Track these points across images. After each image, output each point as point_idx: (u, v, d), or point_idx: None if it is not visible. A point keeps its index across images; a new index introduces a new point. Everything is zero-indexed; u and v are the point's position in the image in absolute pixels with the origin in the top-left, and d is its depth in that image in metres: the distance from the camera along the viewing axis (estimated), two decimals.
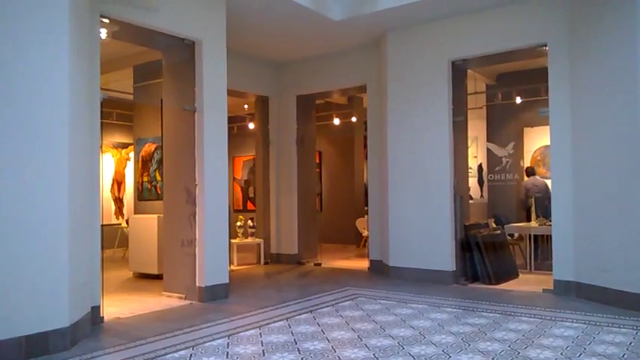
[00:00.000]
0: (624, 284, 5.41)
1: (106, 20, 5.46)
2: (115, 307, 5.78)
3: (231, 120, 8.00)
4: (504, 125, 11.21)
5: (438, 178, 7.28)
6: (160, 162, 7.94)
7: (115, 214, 12.45)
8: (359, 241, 11.85)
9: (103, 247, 5.36)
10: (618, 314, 5.16)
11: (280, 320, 5.17)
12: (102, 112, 5.38)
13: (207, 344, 4.37)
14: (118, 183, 12.62)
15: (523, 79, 9.83)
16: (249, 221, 9.63)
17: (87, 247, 4.90)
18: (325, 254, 10.09)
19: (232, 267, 8.65)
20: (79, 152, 4.58)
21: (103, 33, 5.68)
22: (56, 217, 4.19)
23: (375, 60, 8.46)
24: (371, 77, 8.57)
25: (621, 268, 5.45)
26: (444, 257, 7.19)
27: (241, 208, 13.94)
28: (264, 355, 4.05)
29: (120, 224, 11.73)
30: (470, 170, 9.59)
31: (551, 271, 6.44)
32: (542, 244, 8.44)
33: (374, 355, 4.00)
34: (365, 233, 10.51)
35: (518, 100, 9.88)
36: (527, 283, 7.09)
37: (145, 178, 8.88)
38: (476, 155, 11.97)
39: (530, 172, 9.84)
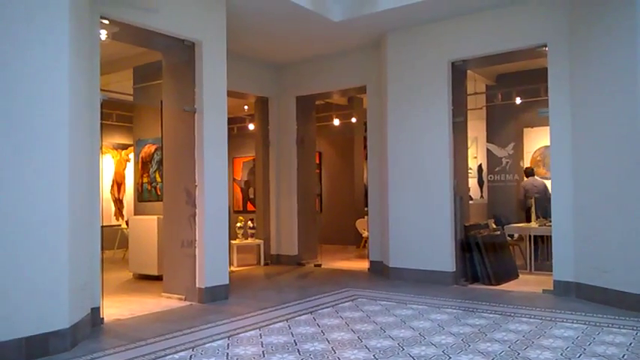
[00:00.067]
0: (624, 285, 5.40)
1: (106, 21, 5.46)
2: (115, 309, 5.78)
3: (231, 121, 8.00)
4: (504, 126, 11.22)
5: (438, 178, 7.28)
6: (160, 163, 7.94)
7: (115, 215, 12.45)
8: (359, 242, 11.85)
9: (102, 248, 5.36)
10: (618, 315, 5.16)
11: (280, 321, 5.17)
12: (102, 113, 5.38)
13: (207, 345, 4.37)
14: (118, 184, 12.62)
15: (523, 79, 9.84)
16: (249, 222, 9.63)
17: (87, 248, 4.90)
18: (325, 255, 10.08)
19: (232, 268, 8.65)
20: (79, 153, 4.58)
21: (103, 34, 5.69)
22: (56, 218, 4.19)
23: (374, 61, 8.46)
24: (371, 78, 8.58)
25: (621, 269, 5.45)
26: (443, 258, 7.19)
27: (241, 209, 13.94)
28: (264, 356, 4.05)
29: (120, 225, 11.73)
30: (470, 171, 9.59)
31: (551, 271, 6.43)
32: (541, 244, 8.44)
33: (374, 356, 4.00)
34: (365, 234, 10.51)
35: (518, 100, 9.88)
36: (527, 283, 7.09)
37: (145, 179, 8.88)
38: (476, 156, 11.98)
39: (530, 172, 9.84)
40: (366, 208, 9.52)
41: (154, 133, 8.38)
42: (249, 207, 13.58)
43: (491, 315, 5.32)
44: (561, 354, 3.98)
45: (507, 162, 11.23)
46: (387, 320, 5.15)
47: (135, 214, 8.94)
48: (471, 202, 9.40)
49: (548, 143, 6.69)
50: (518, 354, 3.99)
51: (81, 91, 4.70)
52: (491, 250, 7.29)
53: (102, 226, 5.34)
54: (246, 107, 12.17)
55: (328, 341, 4.42)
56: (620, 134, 5.48)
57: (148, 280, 7.79)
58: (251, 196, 13.54)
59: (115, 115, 11.47)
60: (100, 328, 4.99)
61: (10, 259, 3.93)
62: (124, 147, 12.68)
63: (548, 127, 6.51)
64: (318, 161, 12.25)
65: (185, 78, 6.40)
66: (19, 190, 3.99)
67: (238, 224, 9.50)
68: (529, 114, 10.40)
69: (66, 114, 4.27)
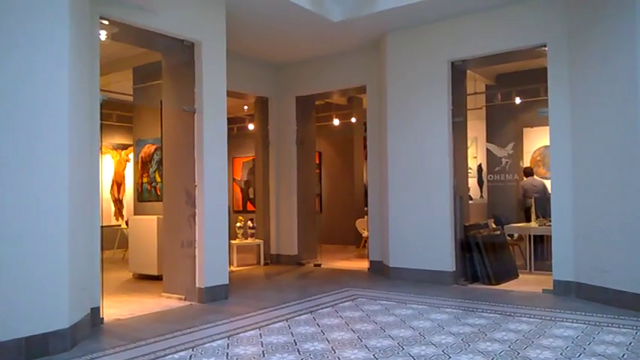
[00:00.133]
0: (624, 284, 5.41)
1: (106, 22, 5.47)
2: (115, 309, 5.79)
3: (230, 121, 8.01)
4: (504, 126, 11.21)
5: (438, 178, 7.28)
6: (160, 163, 7.94)
7: (115, 215, 12.45)
8: (359, 242, 11.85)
9: (102, 248, 5.36)
10: (618, 314, 5.16)
11: (280, 321, 5.17)
12: (102, 113, 5.38)
13: (207, 345, 4.37)
14: (118, 184, 12.62)
15: (522, 79, 9.84)
16: (249, 222, 9.63)
17: (87, 248, 4.91)
18: (325, 255, 10.09)
19: (232, 268, 8.65)
20: (78, 153, 4.58)
21: (103, 34, 5.69)
22: (56, 218, 4.19)
23: (374, 61, 8.47)
24: (371, 78, 8.58)
25: (621, 268, 5.45)
26: (443, 258, 7.19)
27: (241, 209, 13.94)
28: (264, 355, 4.05)
29: (120, 225, 11.73)
30: (469, 171, 9.59)
31: (551, 271, 6.44)
32: (541, 244, 8.44)
33: (374, 355, 4.00)
34: (365, 234, 10.52)
35: (518, 100, 9.88)
36: (527, 283, 7.09)
37: (145, 180, 8.88)
38: (475, 156, 11.98)
39: (529, 172, 9.84)
40: (365, 208, 9.52)
41: (154, 133, 8.38)
42: (249, 207, 13.58)
43: (491, 315, 5.32)
44: (561, 353, 3.98)
45: (507, 162, 11.22)
46: (387, 320, 5.15)
47: (135, 214, 8.94)
48: (470, 201, 9.40)
49: (547, 143, 6.69)
50: (518, 353, 3.99)
51: (81, 91, 4.70)
52: (491, 249, 7.30)
53: (102, 226, 5.34)
54: (245, 107, 12.17)
55: (328, 341, 4.42)
56: (620, 133, 5.48)
57: (147, 280, 7.79)
58: (251, 196, 13.54)
59: (115, 115, 11.46)
60: (99, 328, 5.00)
61: (10, 259, 3.93)
62: (124, 147, 12.68)
63: (547, 127, 6.51)
64: (317, 161, 12.25)
65: (185, 78, 6.40)
66: (19, 190, 4.00)
67: (238, 224, 9.50)
68: (529, 114, 10.39)
69: (66, 114, 4.27)
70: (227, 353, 4.13)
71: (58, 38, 4.24)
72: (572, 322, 4.97)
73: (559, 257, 6.31)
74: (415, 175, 7.48)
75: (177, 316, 5.56)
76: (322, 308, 5.76)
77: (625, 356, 3.90)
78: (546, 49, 6.48)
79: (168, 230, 6.65)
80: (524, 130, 11.12)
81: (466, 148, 7.88)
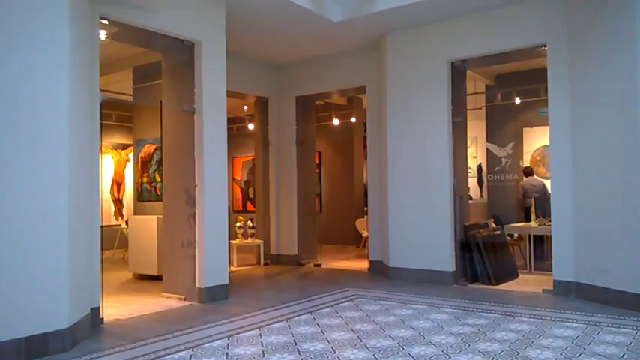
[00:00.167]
0: (624, 284, 5.41)
1: (106, 22, 5.46)
2: (115, 308, 5.78)
3: (230, 121, 8.01)
4: (504, 125, 11.21)
5: (438, 178, 7.28)
6: (160, 163, 7.94)
7: (115, 215, 12.44)
8: (359, 242, 11.85)
9: (102, 248, 5.36)
10: (618, 314, 5.16)
11: (280, 321, 5.17)
12: (101, 113, 5.38)
13: (206, 345, 4.37)
14: (118, 184, 12.62)
15: (522, 79, 9.84)
16: (249, 222, 9.63)
17: (87, 248, 4.91)
18: (325, 255, 10.09)
19: (232, 268, 8.65)
20: (78, 153, 4.58)
21: (103, 34, 5.69)
22: (56, 218, 4.19)
23: (374, 61, 8.46)
24: (370, 78, 8.58)
25: (621, 268, 5.45)
26: (443, 258, 7.19)
27: (241, 208, 13.94)
28: (264, 355, 4.05)
29: (119, 225, 11.73)
30: (469, 170, 9.60)
31: (551, 271, 6.44)
32: (540, 244, 8.44)
33: (374, 355, 4.00)
34: (365, 234, 10.52)
35: (518, 100, 9.88)
36: (526, 283, 7.09)
37: (145, 180, 8.88)
38: (475, 156, 11.98)
39: (528, 172, 9.84)
40: (365, 208, 9.52)
41: (154, 133, 8.38)
42: (249, 207, 13.58)
43: (491, 314, 5.32)
44: (561, 353, 3.98)
45: (507, 162, 11.22)
46: (387, 320, 5.15)
47: (134, 214, 8.94)
48: (470, 201, 9.40)
49: (547, 143, 6.69)
50: (518, 353, 3.99)
51: (81, 91, 4.70)
52: (491, 249, 7.30)
53: (102, 226, 5.34)
54: (245, 107, 12.17)
55: (328, 341, 4.42)
56: (620, 134, 5.48)
57: (147, 280, 7.79)
58: (251, 196, 13.54)
59: (115, 115, 11.47)
60: (99, 328, 5.00)
61: (10, 259, 3.93)
62: (124, 147, 12.68)
63: (547, 127, 6.51)
64: (317, 161, 12.25)
65: (185, 78, 6.40)
66: (19, 190, 3.99)
67: (238, 224, 9.50)
68: (529, 114, 10.39)
69: (66, 114, 4.27)
70: (227, 353, 4.13)
71: (58, 38, 4.24)
72: (572, 322, 4.97)
73: (559, 257, 6.31)
74: (415, 175, 7.48)
75: (177, 316, 5.56)
76: (322, 308, 5.76)
77: (625, 356, 3.90)
78: (546, 48, 6.48)
79: (168, 230, 6.65)
80: (524, 130, 11.12)
81: (466, 148, 7.89)
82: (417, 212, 7.43)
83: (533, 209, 8.76)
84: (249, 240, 9.48)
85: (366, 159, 9.25)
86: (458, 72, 7.46)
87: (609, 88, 5.61)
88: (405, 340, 4.42)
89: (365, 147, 9.87)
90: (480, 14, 6.99)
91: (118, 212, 12.50)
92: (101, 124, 5.37)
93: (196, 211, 6.27)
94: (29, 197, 4.04)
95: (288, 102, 9.61)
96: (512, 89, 9.80)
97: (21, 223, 3.99)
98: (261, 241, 9.52)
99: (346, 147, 12.79)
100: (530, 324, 4.91)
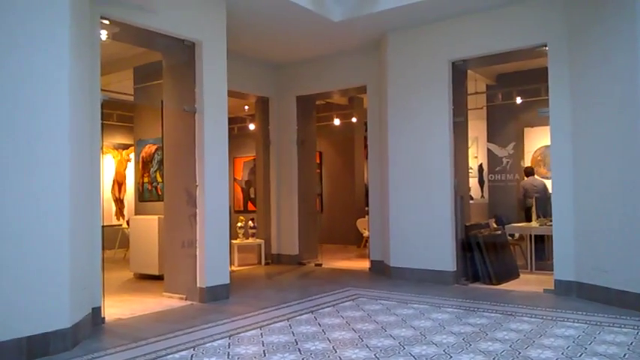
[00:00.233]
0: (625, 284, 5.40)
1: (107, 22, 5.47)
2: (116, 308, 5.79)
3: (231, 121, 8.00)
4: (505, 125, 11.22)
5: (439, 178, 7.27)
6: (161, 163, 7.94)
7: (116, 215, 12.46)
8: (360, 242, 11.85)
9: (103, 248, 5.37)
10: (619, 314, 5.16)
11: (281, 321, 5.17)
12: (102, 113, 5.39)
13: (208, 345, 4.37)
14: (119, 184, 12.63)
15: (523, 79, 9.84)
16: (250, 222, 9.63)
17: (88, 247, 4.91)
18: (326, 255, 10.09)
19: (233, 268, 8.65)
20: (79, 153, 4.59)
21: (104, 34, 5.69)
22: (57, 218, 4.19)
23: (375, 61, 8.46)
24: (371, 78, 8.58)
25: (622, 268, 5.45)
26: (444, 257, 7.19)
27: (242, 208, 13.94)
28: (265, 355, 4.05)
29: (121, 225, 11.74)
30: (470, 170, 9.60)
31: (552, 271, 6.43)
32: (541, 244, 8.43)
33: (375, 355, 4.00)
34: (366, 234, 10.51)
35: (519, 100, 9.88)
36: (528, 283, 7.09)
37: (146, 179, 8.89)
38: (476, 155, 11.98)
39: (529, 172, 9.84)
40: (366, 208, 9.51)
41: (155, 133, 8.38)
42: (250, 207, 13.58)
43: (492, 314, 5.32)
44: (562, 353, 3.98)
45: (508, 162, 11.23)
46: (388, 319, 5.15)
47: (136, 214, 8.95)
48: (471, 201, 9.40)
49: (548, 143, 6.68)
50: (519, 353, 3.99)
51: (81, 91, 4.71)
52: (492, 249, 7.29)
53: (103, 226, 5.35)
54: (246, 107, 12.18)
55: (329, 340, 4.42)
56: (621, 133, 5.48)
57: (148, 279, 7.79)
58: (252, 195, 13.55)
59: (116, 115, 11.48)
60: (101, 328, 5.00)
61: (10, 259, 3.93)
62: (125, 147, 12.69)
63: (548, 127, 6.51)
64: (318, 161, 12.26)
65: (185, 78, 6.40)
66: (20, 190, 4.00)
67: (239, 224, 9.50)
68: (529, 114, 10.39)
69: (66, 114, 4.27)
70: (228, 353, 4.14)
71: (58, 38, 4.25)
72: (574, 321, 4.97)
73: (560, 257, 6.30)
74: (416, 174, 7.48)
75: (179, 315, 5.57)
76: (323, 308, 5.76)
77: (626, 356, 3.90)
78: (547, 48, 6.47)
79: (169, 230, 6.65)
80: (525, 129, 11.13)
81: (467, 148, 7.89)
82: (418, 212, 7.43)
83: (534, 209, 8.76)
84: (250, 240, 9.49)
85: (366, 159, 9.25)
86: (458, 72, 7.45)
87: (609, 88, 5.61)
88: (406, 339, 4.42)
89: (366, 147, 9.87)
90: (480, 14, 6.98)
91: (119, 212, 12.51)
92: (102, 124, 5.37)
93: (197, 210, 6.27)
94: (29, 197, 4.04)
95: (289, 102, 9.61)
96: (513, 89, 9.81)
97: (21, 223, 4.00)
98: (262, 240, 9.52)
99: (347, 147, 12.79)
100: (531, 324, 4.91)
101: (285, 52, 8.90)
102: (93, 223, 5.07)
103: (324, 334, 4.65)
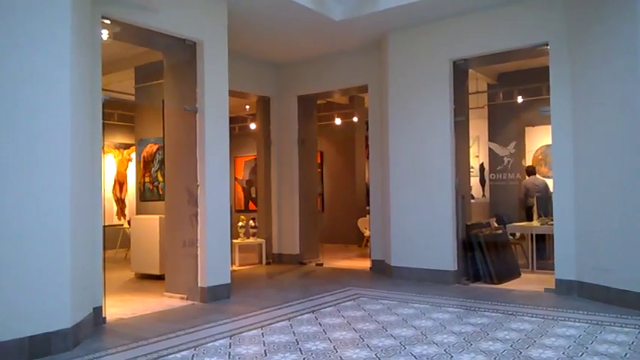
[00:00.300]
0: (626, 283, 5.40)
1: (108, 21, 5.47)
2: (117, 308, 5.79)
3: (232, 120, 8.01)
4: (506, 124, 11.21)
5: (440, 177, 7.27)
6: (162, 162, 7.95)
7: (117, 214, 12.47)
8: (361, 241, 11.85)
9: (104, 248, 5.36)
10: (621, 313, 5.15)
11: (282, 320, 5.17)
12: (103, 113, 5.39)
13: (209, 344, 4.38)
14: (120, 184, 12.64)
15: (524, 78, 9.83)
16: (251, 221, 9.64)
17: (89, 247, 4.91)
18: (327, 254, 10.09)
19: (234, 267, 8.66)
20: (80, 153, 4.59)
21: (105, 34, 5.69)
22: (58, 218, 4.19)
23: (376, 60, 8.46)
24: (372, 77, 8.57)
25: (623, 268, 5.44)
26: (445, 257, 7.18)
27: (243, 208, 13.95)
28: (266, 355, 4.05)
29: (122, 225, 11.75)
30: (471, 170, 9.60)
31: (553, 270, 6.43)
32: (543, 243, 8.43)
33: (376, 355, 4.00)
34: (367, 233, 10.52)
35: (520, 99, 9.87)
36: (529, 282, 7.08)
37: (147, 179, 8.90)
38: (477, 155, 11.98)
39: (530, 171, 9.84)
40: (367, 207, 9.52)
41: (156, 132, 8.39)
42: (251, 206, 13.59)
43: (493, 314, 5.32)
44: (563, 353, 3.97)
45: (509, 161, 11.22)
46: (389, 319, 5.15)
47: (137, 214, 8.96)
48: (472, 201, 9.40)
49: (549, 142, 6.68)
50: (520, 353, 3.99)
51: (82, 90, 4.71)
52: (493, 248, 7.29)
53: (104, 226, 5.35)
54: (247, 107, 12.17)
55: (330, 340, 4.43)
56: (622, 133, 5.47)
57: (150, 279, 7.80)
58: (253, 195, 13.55)
59: (117, 114, 11.49)
60: (102, 328, 5.00)
61: (11, 259, 3.94)
62: (126, 147, 12.70)
63: (549, 126, 6.50)
64: (319, 160, 12.26)
65: (186, 78, 6.40)
66: (21, 190, 4.00)
67: (240, 223, 9.50)
68: (531, 113, 10.39)
69: (67, 114, 4.27)
70: (229, 352, 4.14)
71: (59, 38, 4.25)
72: (575, 321, 4.96)
73: (561, 256, 6.30)
74: (417, 174, 7.47)
75: (180, 315, 5.57)
76: (324, 307, 5.76)
77: (627, 355, 3.90)
78: (548, 47, 6.46)
79: (171, 230, 6.65)
80: (527, 129, 11.12)
81: (468, 147, 7.88)
82: (419, 211, 7.43)
83: (535, 208, 8.75)
84: (251, 239, 9.49)
85: (367, 158, 9.25)
86: (459, 71, 7.45)
87: (610, 88, 5.60)
88: (407, 339, 4.42)
89: (367, 146, 9.87)
90: (481, 13, 6.98)
91: (121, 212, 12.52)
92: (103, 124, 5.37)
93: (198, 210, 6.27)
94: (30, 197, 4.04)
95: (290, 101, 9.60)
96: (514, 88, 9.80)
97: (22, 223, 4.00)
98: (263, 240, 9.53)
99: (348, 146, 12.79)
100: (532, 323, 4.90)
101: (286, 52, 8.90)
102: (94, 223, 5.07)
103: (325, 333, 4.65)
